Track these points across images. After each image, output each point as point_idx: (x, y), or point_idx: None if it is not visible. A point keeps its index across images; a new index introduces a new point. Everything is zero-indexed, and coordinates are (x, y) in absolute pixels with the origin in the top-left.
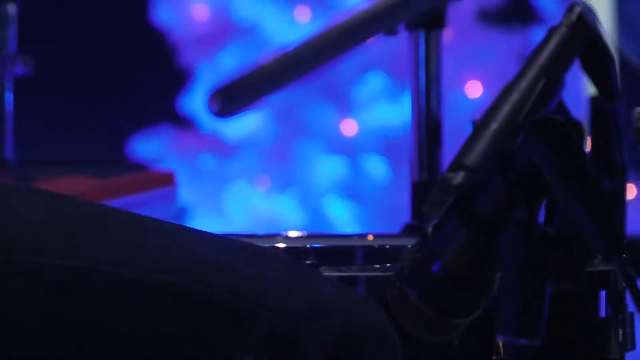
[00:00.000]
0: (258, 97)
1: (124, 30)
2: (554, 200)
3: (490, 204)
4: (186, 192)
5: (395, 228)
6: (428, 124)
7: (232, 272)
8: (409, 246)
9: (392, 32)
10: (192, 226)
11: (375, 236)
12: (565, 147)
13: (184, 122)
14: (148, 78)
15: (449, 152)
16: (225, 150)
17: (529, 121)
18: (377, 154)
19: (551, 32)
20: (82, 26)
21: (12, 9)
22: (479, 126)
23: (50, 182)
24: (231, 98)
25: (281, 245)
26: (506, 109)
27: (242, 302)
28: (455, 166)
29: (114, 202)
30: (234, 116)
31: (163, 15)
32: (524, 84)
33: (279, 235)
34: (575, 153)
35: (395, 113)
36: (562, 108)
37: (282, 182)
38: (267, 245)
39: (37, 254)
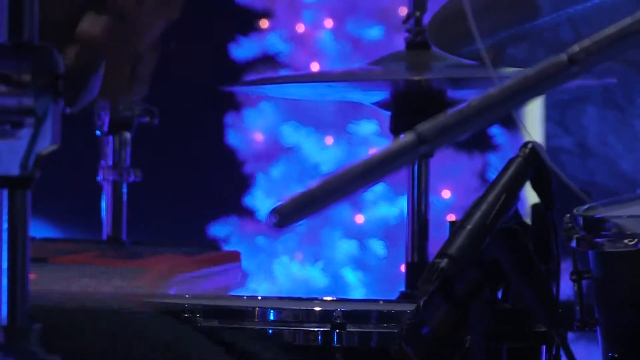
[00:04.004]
0: (308, 214)
1: (207, 148)
2: (510, 284)
3: (465, 286)
4: (247, 264)
5: (392, 293)
6: (419, 219)
7: None
8: (407, 312)
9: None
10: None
11: (384, 302)
12: (519, 248)
13: (246, 213)
14: (223, 182)
15: (432, 239)
16: (274, 234)
17: (494, 226)
18: (379, 239)
19: (511, 161)
20: (176, 144)
21: (128, 135)
22: (458, 226)
23: (153, 258)
24: (286, 214)
25: (318, 308)
26: (478, 214)
27: None
28: (441, 254)
29: (197, 273)
30: (288, 227)
31: (233, 138)
32: (490, 197)
33: (317, 299)
34: (525, 253)
35: (393, 210)
36: (516, 214)
37: (312, 257)
38: (305, 307)
39: None
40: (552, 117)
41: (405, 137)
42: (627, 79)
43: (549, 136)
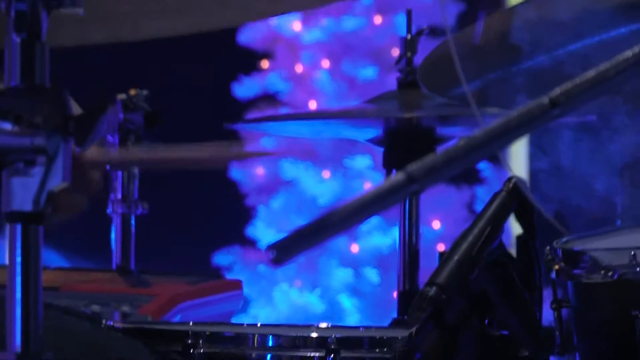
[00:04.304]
0: (304, 250)
1: (211, 181)
2: (496, 311)
3: (454, 314)
4: (248, 290)
5: (385, 318)
6: (410, 248)
7: None
8: (399, 338)
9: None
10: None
11: (376, 328)
12: (505, 280)
13: (248, 243)
14: (226, 213)
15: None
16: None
17: (480, 256)
18: (373, 267)
19: (495, 195)
20: (181, 178)
21: (135, 170)
22: (446, 257)
23: (159, 286)
24: (283, 251)
25: (314, 334)
26: (465, 245)
27: None
28: (430, 283)
29: (201, 301)
30: (285, 263)
31: (235, 172)
32: (476, 230)
33: (313, 325)
34: (511, 283)
35: (386, 240)
36: (501, 245)
37: (310, 284)
38: (301, 334)
39: None
40: (533, 141)
41: (396, 177)
42: (602, 105)
43: (531, 159)
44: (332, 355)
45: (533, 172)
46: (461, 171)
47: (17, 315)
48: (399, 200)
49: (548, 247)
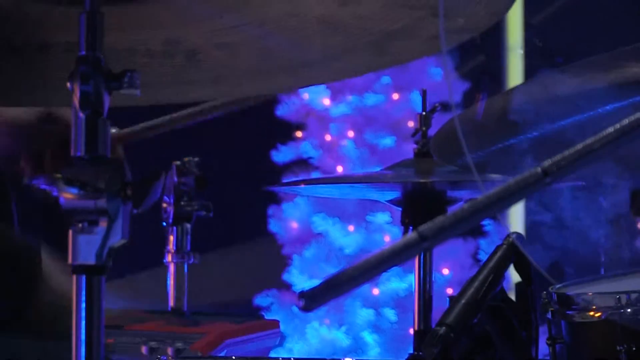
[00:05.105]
0: (329, 299)
1: (253, 234)
2: (497, 349)
3: (461, 351)
4: (284, 328)
5: (402, 352)
6: (424, 292)
7: None
8: None
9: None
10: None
11: None
12: (504, 322)
13: (284, 287)
14: (265, 262)
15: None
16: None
17: (484, 300)
18: (391, 307)
19: (497, 248)
20: (227, 232)
21: (188, 225)
22: (455, 300)
23: (208, 325)
24: (311, 299)
25: None
26: (471, 291)
27: None
28: (440, 323)
29: (243, 338)
30: (313, 310)
31: (274, 226)
32: (481, 277)
33: (339, 359)
34: (509, 325)
35: (403, 284)
36: (502, 290)
37: (337, 322)
38: None
39: None
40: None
41: (410, 236)
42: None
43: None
44: None
45: (532, 224)
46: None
47: (82, 354)
48: (412, 256)
49: (544, 292)
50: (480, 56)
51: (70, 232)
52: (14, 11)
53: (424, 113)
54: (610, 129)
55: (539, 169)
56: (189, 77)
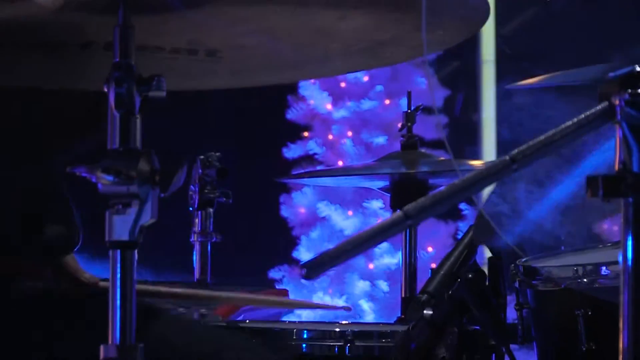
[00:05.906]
0: (327, 269)
1: (267, 218)
2: (472, 313)
3: (440, 315)
4: (293, 296)
5: (392, 317)
6: (410, 267)
7: None
8: (400, 332)
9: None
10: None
11: (383, 324)
12: (478, 289)
13: (294, 262)
14: (278, 241)
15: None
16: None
17: (460, 272)
18: (384, 280)
19: (470, 227)
20: (245, 216)
21: (211, 210)
22: (434, 272)
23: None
24: (312, 269)
25: (336, 329)
26: (447, 264)
27: None
28: (422, 292)
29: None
30: (314, 279)
31: (285, 212)
32: (456, 252)
33: (337, 322)
34: (483, 292)
35: (393, 260)
36: (475, 263)
37: (339, 292)
38: (327, 329)
39: None
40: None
41: (396, 215)
42: (545, 160)
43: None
44: (349, 345)
45: (496, 214)
46: (446, 210)
47: (117, 315)
48: (398, 231)
49: (512, 265)
50: (455, 62)
51: (107, 213)
52: (59, 16)
53: (409, 111)
54: (569, 123)
55: (507, 157)
56: (211, 69)
